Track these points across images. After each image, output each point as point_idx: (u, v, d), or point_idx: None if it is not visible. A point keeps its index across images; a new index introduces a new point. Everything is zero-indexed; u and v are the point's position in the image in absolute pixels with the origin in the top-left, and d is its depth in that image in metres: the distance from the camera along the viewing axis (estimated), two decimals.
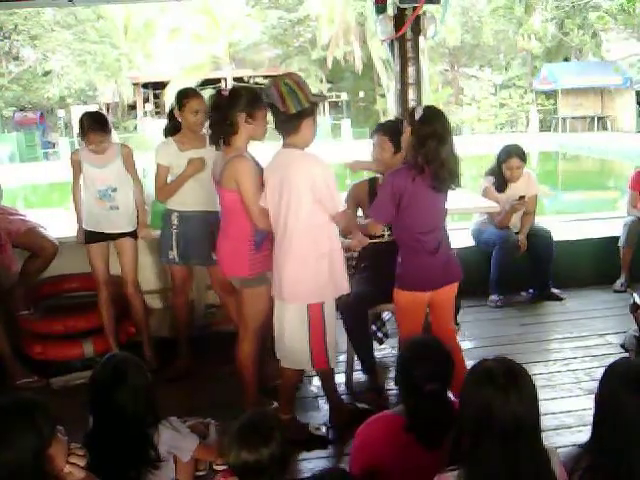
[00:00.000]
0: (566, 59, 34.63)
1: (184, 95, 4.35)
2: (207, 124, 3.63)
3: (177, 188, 4.31)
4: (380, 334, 4.54)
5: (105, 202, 4.48)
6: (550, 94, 32.52)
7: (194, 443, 2.87)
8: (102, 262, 4.56)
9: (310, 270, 3.38)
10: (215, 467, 3.13)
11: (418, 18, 5.35)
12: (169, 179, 4.38)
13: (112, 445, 2.60)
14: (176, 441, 2.78)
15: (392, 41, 5.58)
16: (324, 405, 4.05)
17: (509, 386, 2.00)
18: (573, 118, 31.06)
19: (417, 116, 3.42)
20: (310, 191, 3.29)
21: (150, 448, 2.65)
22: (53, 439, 2.03)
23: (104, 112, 4.41)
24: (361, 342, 4.15)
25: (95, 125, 4.36)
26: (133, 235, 4.61)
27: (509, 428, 1.95)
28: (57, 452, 2.09)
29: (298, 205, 3.30)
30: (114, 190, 4.48)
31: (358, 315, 4.05)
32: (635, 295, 4.21)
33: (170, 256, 4.42)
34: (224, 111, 3.42)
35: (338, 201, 3.40)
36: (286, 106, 3.27)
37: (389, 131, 4.03)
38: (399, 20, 5.39)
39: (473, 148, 23.61)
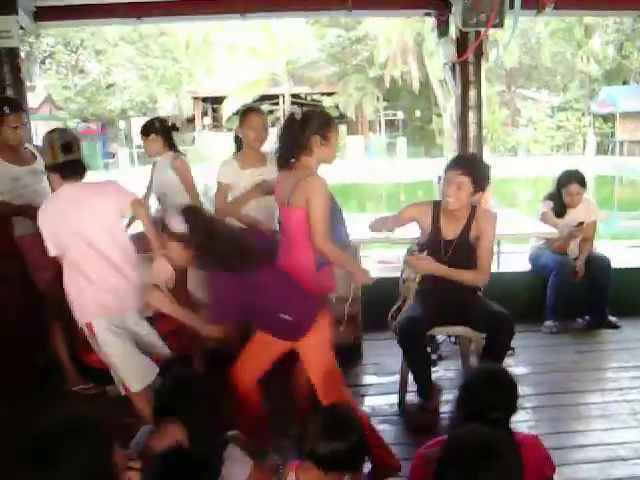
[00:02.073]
0: (625, 82, 34.07)
1: (244, 112, 4.49)
2: (276, 145, 3.65)
3: (238, 209, 4.39)
4: (434, 356, 4.55)
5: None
6: (608, 117, 32.00)
7: (248, 466, 2.85)
8: None
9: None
10: None
11: (481, 42, 5.38)
12: (229, 197, 4.48)
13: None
14: (229, 467, 2.68)
15: (454, 64, 5.62)
16: (376, 425, 4.06)
17: (482, 465, 1.92)
18: (631, 142, 30.49)
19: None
20: None
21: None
22: (114, 450, 2.08)
23: (157, 118, 4.68)
24: (419, 365, 4.09)
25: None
26: None
27: None
28: (118, 461, 2.14)
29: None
30: (164, 194, 4.77)
31: (415, 338, 4.00)
32: None
33: None
34: (297, 134, 3.43)
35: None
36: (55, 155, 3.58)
37: (469, 169, 3.93)
38: (461, 43, 5.43)
39: (529, 170, 23.41)
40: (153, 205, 4.87)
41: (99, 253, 3.58)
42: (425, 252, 3.99)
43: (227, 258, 3.05)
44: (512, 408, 2.60)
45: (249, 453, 2.89)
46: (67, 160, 3.58)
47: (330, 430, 2.43)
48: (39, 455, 1.82)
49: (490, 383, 2.63)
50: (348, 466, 2.48)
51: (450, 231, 4.07)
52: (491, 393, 2.54)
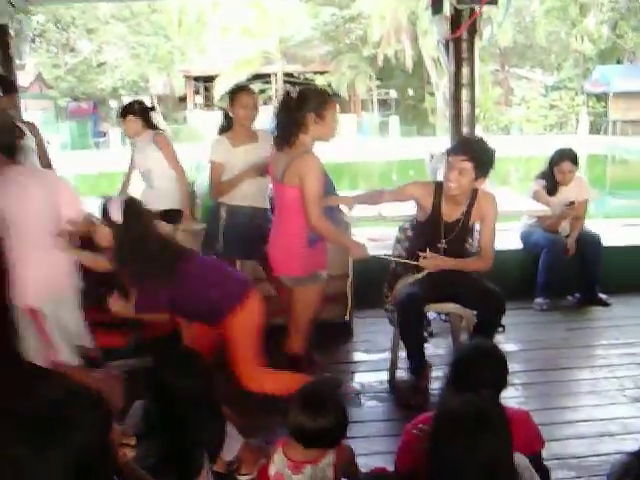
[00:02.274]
0: (619, 62, 34.02)
1: (234, 91, 4.49)
2: (273, 124, 3.65)
3: (233, 187, 4.38)
4: (425, 333, 4.55)
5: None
6: (601, 97, 31.95)
7: (239, 442, 2.88)
8: None
9: None
10: (238, 477, 3.07)
11: (474, 19, 5.35)
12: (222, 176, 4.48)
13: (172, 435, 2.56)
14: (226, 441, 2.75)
15: (447, 41, 5.59)
16: (366, 402, 4.10)
17: (477, 435, 1.94)
18: (624, 122, 30.48)
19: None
20: None
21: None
22: (112, 424, 2.08)
23: (136, 101, 4.79)
24: (415, 342, 4.09)
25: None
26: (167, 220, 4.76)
27: (487, 473, 1.91)
28: (114, 436, 2.15)
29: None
30: (149, 171, 4.85)
31: (414, 314, 4.01)
32: None
33: (216, 248, 4.49)
34: (293, 112, 3.45)
35: None
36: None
37: (473, 154, 3.85)
38: (455, 20, 5.40)
39: (521, 149, 23.41)
40: (137, 184, 4.92)
41: (37, 237, 3.44)
42: (427, 250, 3.99)
43: (143, 272, 3.16)
44: (502, 384, 2.62)
45: (238, 430, 2.92)
46: (17, 143, 3.55)
47: (306, 407, 2.45)
48: (36, 428, 1.79)
49: (480, 359, 2.64)
50: (327, 442, 2.50)
51: (451, 214, 4.05)
52: (481, 369, 2.56)
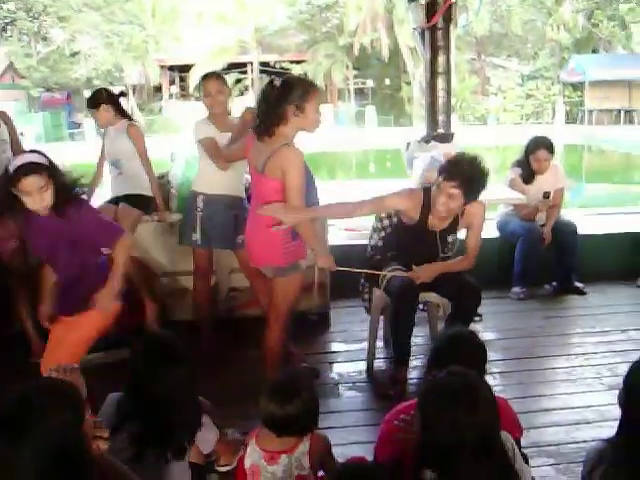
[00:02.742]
0: (594, 50, 34.24)
1: (201, 79, 4.43)
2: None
3: (237, 149, 4.09)
4: None
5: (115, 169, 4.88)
6: (577, 86, 32.17)
7: (215, 435, 2.86)
8: None
9: None
10: (217, 467, 3.09)
11: (450, 7, 5.34)
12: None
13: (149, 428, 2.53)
14: (202, 433, 2.68)
15: (423, 30, 5.57)
16: (345, 392, 4.08)
17: (473, 402, 1.95)
18: (600, 111, 30.69)
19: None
20: None
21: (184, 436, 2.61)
22: (84, 416, 2.06)
23: (103, 89, 4.69)
24: (406, 331, 4.08)
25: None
26: (135, 204, 4.74)
27: (478, 444, 1.91)
28: (87, 428, 2.12)
29: None
30: (119, 160, 4.79)
31: (409, 303, 4.01)
32: None
33: (193, 238, 4.43)
34: (273, 103, 3.39)
35: None
36: None
37: (463, 182, 3.78)
38: (431, 8, 5.38)
39: (498, 139, 23.50)
40: (108, 172, 4.88)
41: None
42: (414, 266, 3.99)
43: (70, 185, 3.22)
44: (481, 371, 2.61)
45: (214, 422, 2.89)
46: None
47: (274, 395, 2.47)
48: (9, 421, 1.78)
49: (459, 345, 2.65)
50: (298, 429, 2.52)
51: (439, 225, 4.05)
52: (460, 355, 2.54)
